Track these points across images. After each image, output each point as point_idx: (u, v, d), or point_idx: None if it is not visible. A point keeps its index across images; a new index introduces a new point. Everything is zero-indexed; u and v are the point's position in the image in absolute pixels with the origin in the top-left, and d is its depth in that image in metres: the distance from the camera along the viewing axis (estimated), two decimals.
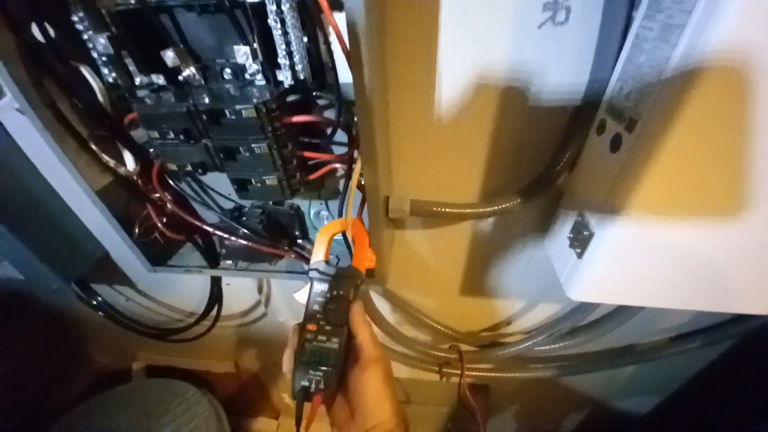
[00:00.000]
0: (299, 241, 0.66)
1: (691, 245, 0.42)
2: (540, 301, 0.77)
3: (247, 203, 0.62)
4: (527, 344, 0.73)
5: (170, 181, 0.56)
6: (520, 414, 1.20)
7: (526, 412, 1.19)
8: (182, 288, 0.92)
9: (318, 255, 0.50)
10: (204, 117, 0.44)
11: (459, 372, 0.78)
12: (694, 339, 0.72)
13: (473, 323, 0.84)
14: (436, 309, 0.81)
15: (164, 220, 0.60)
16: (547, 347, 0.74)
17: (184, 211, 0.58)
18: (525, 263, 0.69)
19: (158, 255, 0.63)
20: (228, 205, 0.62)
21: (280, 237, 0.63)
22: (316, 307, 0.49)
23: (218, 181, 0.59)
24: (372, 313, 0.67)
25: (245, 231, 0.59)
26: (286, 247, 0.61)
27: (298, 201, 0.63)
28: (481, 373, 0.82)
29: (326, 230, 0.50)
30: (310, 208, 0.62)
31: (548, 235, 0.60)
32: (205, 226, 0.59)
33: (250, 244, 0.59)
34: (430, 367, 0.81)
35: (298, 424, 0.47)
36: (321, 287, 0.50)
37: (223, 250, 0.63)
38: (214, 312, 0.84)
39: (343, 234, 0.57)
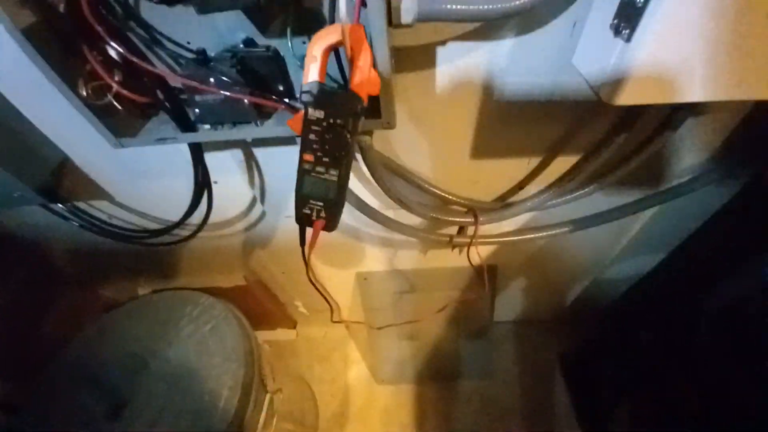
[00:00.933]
0: (286, 100, 0.56)
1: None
2: (555, 155, 0.71)
3: (211, 47, 0.51)
4: (542, 197, 0.70)
5: (105, 13, 0.45)
6: (527, 289, 1.25)
7: (532, 287, 1.23)
8: (166, 194, 0.84)
9: (312, 74, 0.42)
10: None
11: (469, 241, 0.76)
12: (713, 172, 0.68)
13: (484, 191, 0.80)
14: (444, 178, 0.76)
15: (115, 77, 0.50)
16: (562, 199, 0.70)
17: (134, 55, 0.47)
18: (542, 106, 0.62)
19: (121, 127, 0.54)
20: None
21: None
22: (312, 136, 0.42)
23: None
24: (376, 172, 0.61)
25: (220, 77, 0.49)
26: (274, 97, 0.52)
27: (276, 42, 0.52)
28: (496, 239, 0.80)
29: (319, 40, 0.41)
30: (293, 49, 0.51)
31: (578, 48, 0.51)
32: (166, 76, 0.49)
33: (228, 94, 0.49)
34: (441, 235, 0.78)
35: (302, 243, 0.51)
36: (316, 114, 0.42)
37: (197, 110, 0.54)
38: (204, 208, 0.78)
39: (337, 53, 0.48)
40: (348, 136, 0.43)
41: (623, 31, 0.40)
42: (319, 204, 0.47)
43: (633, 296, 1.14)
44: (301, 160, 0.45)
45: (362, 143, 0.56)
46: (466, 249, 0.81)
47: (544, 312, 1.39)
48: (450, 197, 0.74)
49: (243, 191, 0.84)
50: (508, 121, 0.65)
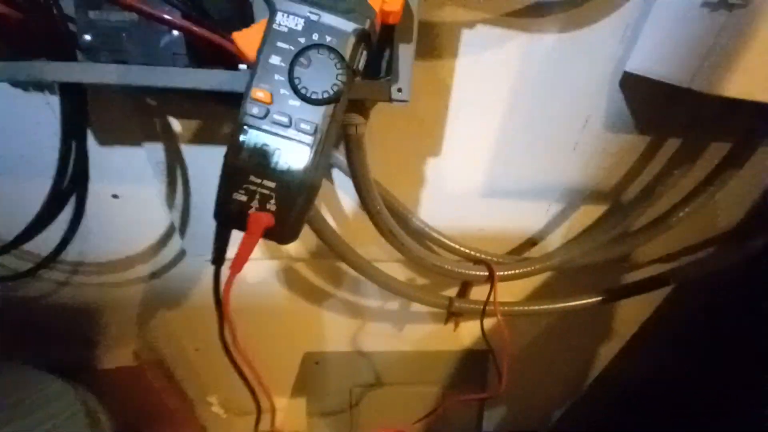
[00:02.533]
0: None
1: None
2: (583, 200, 0.58)
3: None
4: (573, 250, 0.53)
5: None
6: (523, 388, 0.99)
7: (528, 384, 0.98)
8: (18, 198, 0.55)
9: None
10: None
11: (482, 307, 0.54)
12: None
13: (492, 243, 0.62)
14: (443, 217, 0.57)
15: None
16: (593, 258, 0.54)
17: None
18: (573, 143, 0.50)
19: None
20: None
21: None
22: (274, 60, 0.23)
23: None
24: (364, 181, 0.41)
25: None
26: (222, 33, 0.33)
27: None
28: (516, 307, 0.58)
29: None
30: None
31: (637, 50, 0.41)
32: None
33: (149, 10, 0.30)
34: (436, 297, 0.56)
35: (216, 262, 0.28)
36: (289, 22, 0.24)
37: (87, 36, 0.32)
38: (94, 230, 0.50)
39: None
40: (341, 67, 0.25)
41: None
42: (269, 185, 0.25)
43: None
44: (246, 101, 0.25)
45: (349, 128, 0.37)
46: (457, 322, 0.59)
47: (534, 423, 1.11)
48: (454, 245, 0.54)
49: (155, 213, 0.58)
50: (532, 147, 0.51)
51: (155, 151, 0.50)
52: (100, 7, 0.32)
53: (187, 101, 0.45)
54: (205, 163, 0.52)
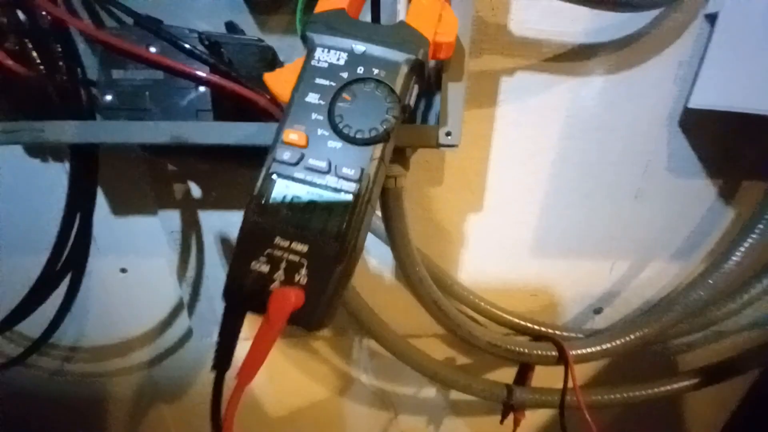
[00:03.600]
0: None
1: None
2: (652, 256, 0.49)
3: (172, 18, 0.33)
4: (660, 322, 0.42)
5: None
6: None
7: None
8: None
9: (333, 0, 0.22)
10: None
11: (560, 396, 0.42)
12: None
13: (546, 311, 0.52)
14: (487, 282, 0.49)
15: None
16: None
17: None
18: (634, 190, 0.44)
19: None
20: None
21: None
22: (312, 98, 0.19)
23: None
24: (403, 242, 0.34)
25: (176, 40, 0.28)
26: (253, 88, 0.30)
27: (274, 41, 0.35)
28: (603, 396, 0.45)
29: None
30: (300, 26, 0.33)
31: (699, 84, 0.37)
32: (86, 29, 0.28)
33: (178, 66, 0.28)
34: (491, 391, 0.44)
35: (219, 365, 0.19)
36: (332, 58, 0.20)
37: (108, 97, 0.30)
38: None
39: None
40: (392, 101, 0.20)
41: None
42: (299, 249, 0.19)
43: None
44: (276, 145, 0.20)
45: (388, 180, 0.31)
46: (518, 419, 0.46)
47: None
48: (507, 316, 0.45)
49: (163, 290, 0.52)
50: (587, 197, 0.45)
51: (170, 219, 0.46)
52: (125, 66, 0.30)
53: (206, 164, 0.42)
54: (221, 232, 0.47)
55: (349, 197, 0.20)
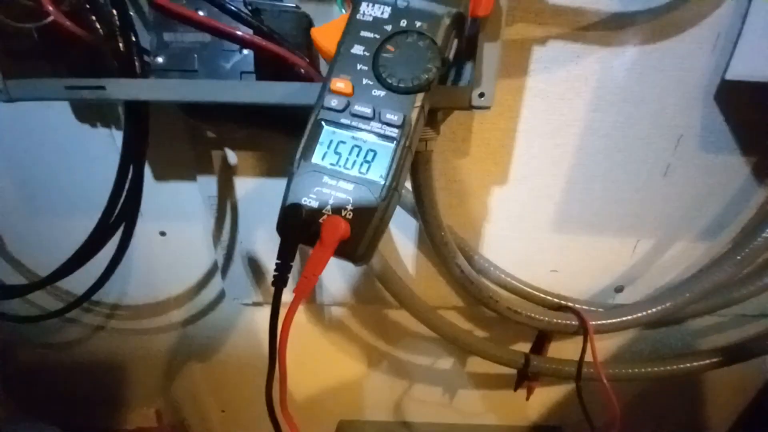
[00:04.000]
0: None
1: None
2: (678, 236, 0.49)
3: None
4: (680, 299, 0.42)
5: None
6: None
7: None
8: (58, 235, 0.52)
9: None
10: None
11: (576, 365, 0.44)
12: None
13: (566, 287, 0.53)
14: (510, 256, 0.50)
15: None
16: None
17: None
18: (663, 166, 0.44)
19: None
20: None
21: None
22: (358, 49, 0.20)
23: None
24: (430, 206, 0.35)
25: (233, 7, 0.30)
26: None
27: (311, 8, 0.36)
28: (623, 369, 0.46)
29: None
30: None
31: (737, 55, 0.36)
32: None
33: (226, 29, 0.29)
34: (509, 358, 0.46)
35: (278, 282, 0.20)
36: (376, 11, 0.21)
37: (160, 59, 0.32)
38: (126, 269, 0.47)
39: None
40: (433, 52, 0.21)
41: None
42: (345, 187, 0.21)
43: None
44: (324, 94, 0.22)
45: (419, 143, 0.33)
46: (531, 388, 0.48)
47: None
48: (527, 288, 0.46)
49: (199, 253, 0.55)
50: (613, 172, 0.45)
51: (208, 184, 0.48)
52: (175, 29, 0.32)
53: (244, 131, 0.44)
54: (255, 197, 0.49)
55: (391, 142, 0.21)
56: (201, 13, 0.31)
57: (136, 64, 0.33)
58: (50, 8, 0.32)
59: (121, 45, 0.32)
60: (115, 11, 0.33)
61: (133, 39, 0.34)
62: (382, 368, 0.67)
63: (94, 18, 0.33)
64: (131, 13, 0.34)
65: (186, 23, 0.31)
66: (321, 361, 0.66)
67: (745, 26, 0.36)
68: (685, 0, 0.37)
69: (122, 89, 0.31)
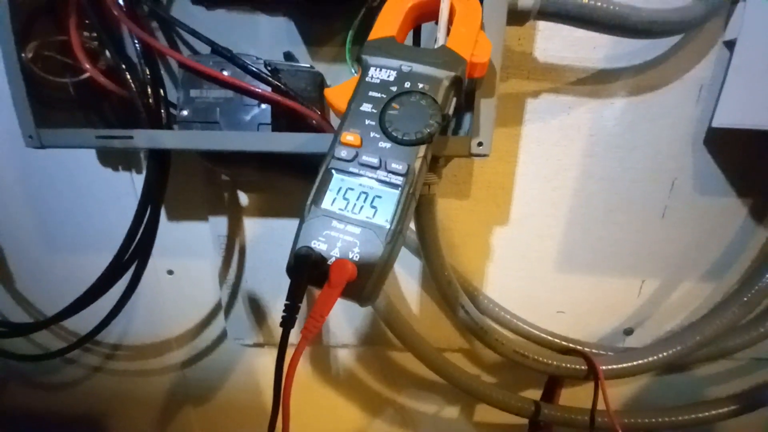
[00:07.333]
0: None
1: None
2: (682, 276, 0.49)
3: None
4: (692, 340, 0.42)
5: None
6: None
7: None
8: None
9: (384, 28, 0.26)
10: None
11: (582, 419, 0.42)
12: None
13: (573, 329, 0.51)
14: (513, 296, 0.50)
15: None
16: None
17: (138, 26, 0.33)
18: (661, 208, 0.45)
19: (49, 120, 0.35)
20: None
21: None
22: (367, 108, 0.23)
23: None
24: (435, 250, 0.36)
25: (249, 65, 0.33)
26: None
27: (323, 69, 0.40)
28: (639, 419, 0.44)
29: None
30: (350, 60, 0.38)
31: (721, 106, 0.39)
32: (173, 55, 0.34)
33: (247, 87, 0.33)
34: (518, 406, 0.44)
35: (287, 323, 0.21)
36: (383, 75, 0.24)
37: (185, 112, 0.35)
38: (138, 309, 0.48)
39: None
40: (434, 109, 0.24)
41: None
42: (353, 230, 0.22)
43: None
44: (334, 145, 0.24)
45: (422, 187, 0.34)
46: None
47: None
48: (533, 330, 0.45)
49: (203, 292, 0.56)
50: (613, 213, 0.46)
51: (219, 224, 0.50)
52: (201, 86, 0.35)
53: (257, 174, 0.47)
54: (263, 238, 0.51)
55: (396, 189, 0.23)
56: (226, 73, 0.35)
57: (163, 116, 0.36)
58: (87, 66, 0.36)
59: (150, 100, 0.35)
60: (147, 70, 0.37)
61: (162, 94, 0.37)
62: (386, 416, 0.64)
63: (128, 75, 0.37)
64: (161, 72, 0.39)
65: (212, 82, 0.34)
66: (323, 407, 0.63)
67: (727, 79, 0.39)
68: (666, 57, 0.40)
69: (149, 139, 0.33)
